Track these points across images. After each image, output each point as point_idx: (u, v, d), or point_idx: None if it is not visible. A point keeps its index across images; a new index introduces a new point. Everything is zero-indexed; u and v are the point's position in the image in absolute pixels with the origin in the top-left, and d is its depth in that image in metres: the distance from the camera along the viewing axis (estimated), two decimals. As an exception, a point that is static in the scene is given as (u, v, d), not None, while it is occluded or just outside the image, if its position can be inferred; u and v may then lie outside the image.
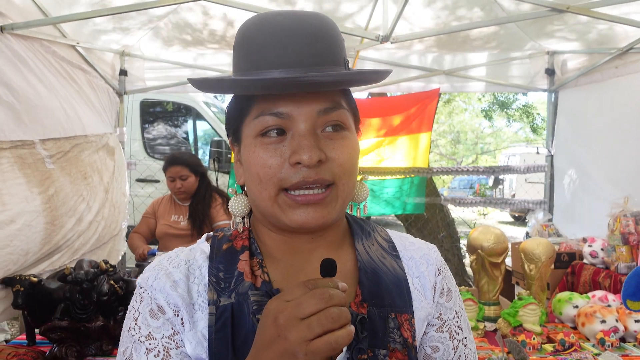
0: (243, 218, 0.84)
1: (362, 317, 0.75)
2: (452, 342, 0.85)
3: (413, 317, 0.80)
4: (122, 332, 0.78)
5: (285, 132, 0.74)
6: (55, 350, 1.99)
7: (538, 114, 14.79)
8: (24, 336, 2.24)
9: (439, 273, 0.87)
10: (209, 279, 0.78)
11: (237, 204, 0.83)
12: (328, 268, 0.65)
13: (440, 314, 0.85)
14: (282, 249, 0.81)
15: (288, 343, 0.60)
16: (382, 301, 0.79)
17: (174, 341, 0.74)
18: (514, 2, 2.94)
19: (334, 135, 0.75)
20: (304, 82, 0.69)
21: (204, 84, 0.76)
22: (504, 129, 19.65)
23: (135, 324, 0.76)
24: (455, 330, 0.86)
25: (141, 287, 0.78)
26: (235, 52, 0.77)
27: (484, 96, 12.31)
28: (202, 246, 0.84)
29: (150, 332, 0.75)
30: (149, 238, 3.39)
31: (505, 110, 12.67)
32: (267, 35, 0.72)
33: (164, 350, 0.74)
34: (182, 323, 0.75)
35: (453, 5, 3.13)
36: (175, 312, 0.75)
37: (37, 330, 2.19)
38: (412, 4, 2.69)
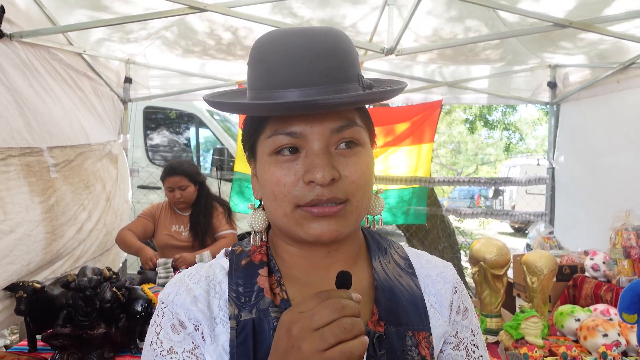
0: (261, 232, 0.84)
1: (379, 335, 0.76)
2: None
3: (430, 334, 0.81)
4: (144, 347, 0.80)
5: (298, 150, 0.75)
6: (57, 357, 1.99)
7: (520, 132, 14.93)
8: (25, 342, 2.24)
9: (456, 291, 0.87)
10: (229, 294, 0.78)
11: (256, 219, 0.83)
12: (343, 280, 0.66)
13: (457, 332, 0.86)
14: (299, 265, 0.82)
15: (302, 354, 0.60)
16: (399, 320, 0.79)
17: (194, 355, 0.75)
18: (517, 17, 2.97)
19: (347, 153, 0.75)
20: (316, 104, 0.69)
21: (219, 105, 0.79)
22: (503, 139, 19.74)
23: (157, 338, 0.77)
24: (471, 349, 0.86)
25: (163, 303, 0.79)
26: (249, 70, 0.78)
27: (471, 108, 12.32)
28: (221, 262, 0.85)
29: (171, 347, 0.76)
30: (142, 240, 3.24)
31: (488, 125, 12.76)
32: (278, 54, 0.73)
33: None
34: (203, 337, 0.76)
35: (456, 18, 3.17)
36: (196, 326, 0.76)
37: (38, 337, 2.19)
38: (415, 16, 2.72)
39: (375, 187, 0.84)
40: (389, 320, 0.78)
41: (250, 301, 0.77)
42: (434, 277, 0.87)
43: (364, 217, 0.81)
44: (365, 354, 0.74)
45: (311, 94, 0.71)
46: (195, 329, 0.76)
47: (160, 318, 0.79)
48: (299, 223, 0.75)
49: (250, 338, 0.74)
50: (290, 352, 0.61)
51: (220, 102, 0.79)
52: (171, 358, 0.75)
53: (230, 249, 0.87)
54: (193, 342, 0.76)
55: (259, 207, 0.85)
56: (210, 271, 0.83)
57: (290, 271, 0.82)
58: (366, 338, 0.62)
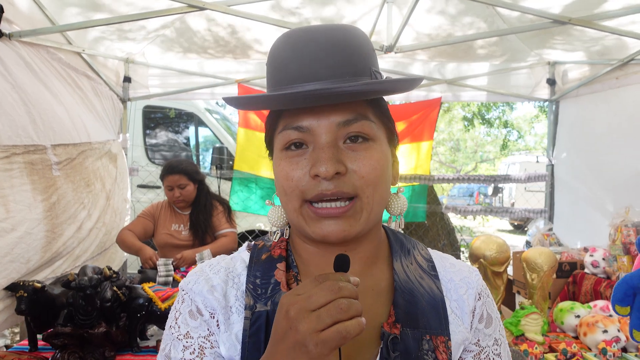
0: (282, 229, 0.85)
1: (393, 337, 0.76)
2: None
3: (449, 339, 0.79)
4: (164, 331, 0.83)
5: (307, 145, 0.75)
6: (58, 356, 1.99)
7: (518, 130, 14.96)
8: (25, 342, 2.24)
9: (479, 298, 0.85)
10: (246, 286, 0.80)
11: (274, 216, 0.85)
12: (341, 263, 0.67)
13: (479, 340, 0.84)
14: (317, 263, 0.82)
15: (299, 334, 0.61)
16: (416, 323, 0.78)
17: (209, 341, 0.78)
18: (515, 14, 2.96)
19: (356, 147, 0.75)
20: (316, 94, 0.69)
21: (228, 100, 0.80)
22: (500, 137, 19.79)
23: (176, 323, 0.80)
24: (493, 359, 0.84)
25: (183, 290, 0.83)
26: (267, 71, 0.79)
27: (469, 105, 12.34)
28: (243, 255, 0.87)
29: (188, 331, 0.79)
30: (142, 239, 3.24)
31: (486, 122, 12.79)
32: (288, 51, 0.74)
33: (199, 349, 0.77)
34: (218, 325, 0.79)
35: (456, 16, 3.17)
36: (212, 314, 0.79)
37: (39, 336, 2.19)
38: (415, 13, 2.72)
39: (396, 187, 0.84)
40: (406, 323, 0.78)
41: (267, 293, 0.78)
42: (457, 281, 0.86)
43: (378, 214, 0.79)
44: (379, 355, 0.75)
45: (313, 87, 0.71)
46: (211, 317, 0.79)
47: (179, 304, 0.82)
48: (307, 221, 0.76)
49: (263, 329, 0.75)
50: (288, 333, 0.62)
51: (227, 97, 0.80)
52: (187, 342, 0.78)
53: (252, 242, 0.89)
54: (208, 329, 0.79)
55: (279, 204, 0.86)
56: (231, 263, 0.85)
57: (308, 269, 0.83)
58: (363, 320, 0.62)
